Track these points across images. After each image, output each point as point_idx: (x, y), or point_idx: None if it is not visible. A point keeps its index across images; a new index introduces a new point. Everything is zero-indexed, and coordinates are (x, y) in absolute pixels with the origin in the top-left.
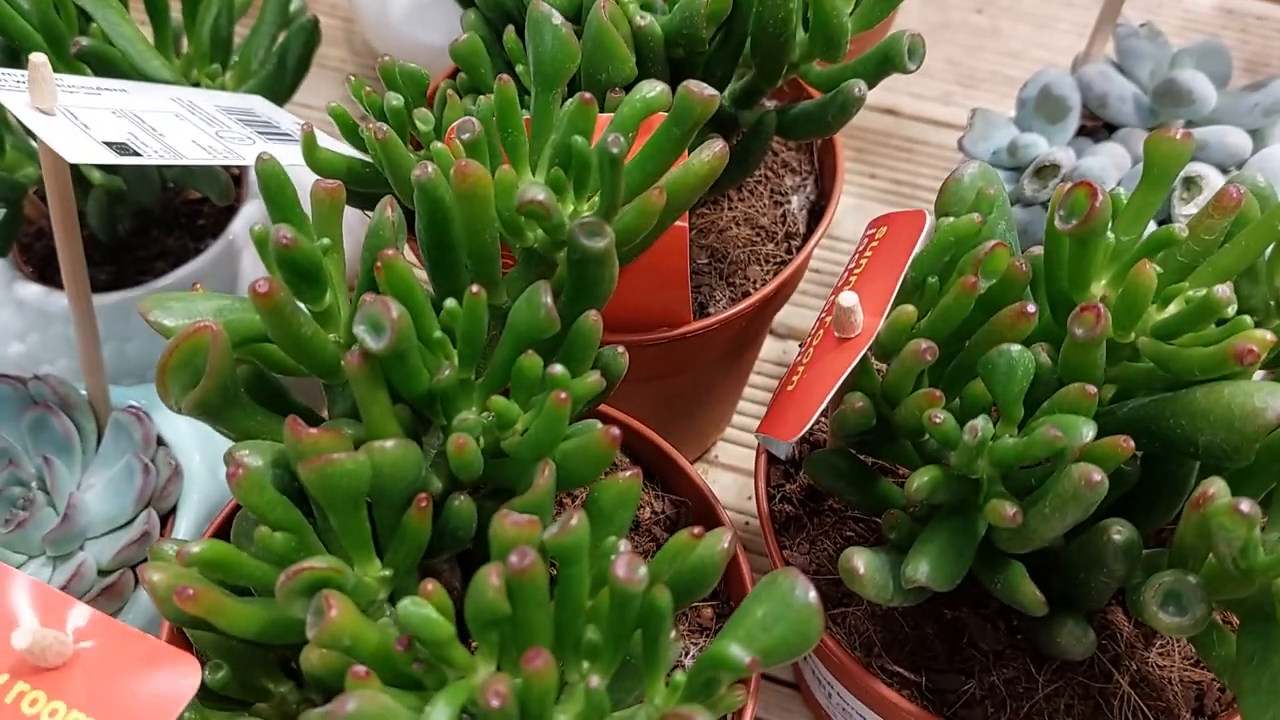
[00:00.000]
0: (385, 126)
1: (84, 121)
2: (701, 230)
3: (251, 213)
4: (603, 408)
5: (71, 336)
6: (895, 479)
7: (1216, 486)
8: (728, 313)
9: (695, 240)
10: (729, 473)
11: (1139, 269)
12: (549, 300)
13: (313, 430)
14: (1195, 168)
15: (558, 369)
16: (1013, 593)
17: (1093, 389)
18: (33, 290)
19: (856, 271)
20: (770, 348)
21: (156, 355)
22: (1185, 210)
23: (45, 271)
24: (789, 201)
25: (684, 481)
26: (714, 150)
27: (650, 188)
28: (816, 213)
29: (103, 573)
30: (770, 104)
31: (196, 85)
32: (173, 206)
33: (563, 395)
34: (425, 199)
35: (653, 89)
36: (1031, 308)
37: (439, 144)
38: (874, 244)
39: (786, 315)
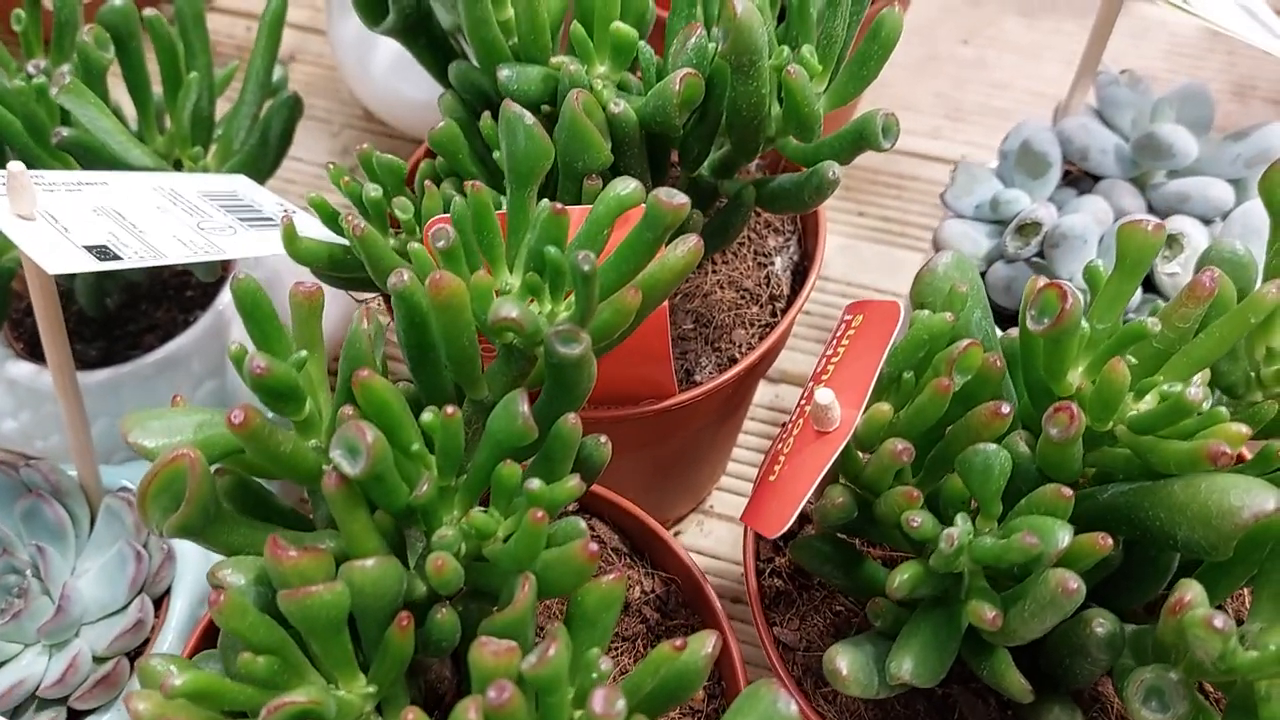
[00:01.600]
0: (363, 224)
1: (64, 224)
2: (686, 295)
3: None
4: (593, 487)
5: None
6: (882, 558)
7: (1192, 593)
8: (713, 383)
9: (680, 305)
10: (725, 523)
11: (1112, 366)
12: (525, 409)
13: (293, 552)
14: (1177, 224)
15: (535, 484)
16: (999, 680)
17: (1068, 491)
18: (24, 369)
19: (834, 360)
20: (763, 392)
21: None
22: (1167, 269)
23: (35, 347)
24: (772, 263)
25: (672, 559)
26: (688, 246)
27: (625, 287)
28: (800, 272)
29: (98, 659)
30: (755, 165)
31: (179, 165)
32: (161, 279)
33: (539, 514)
34: (403, 306)
35: (626, 187)
36: (1006, 409)
37: (416, 245)
38: (851, 331)
39: (779, 360)
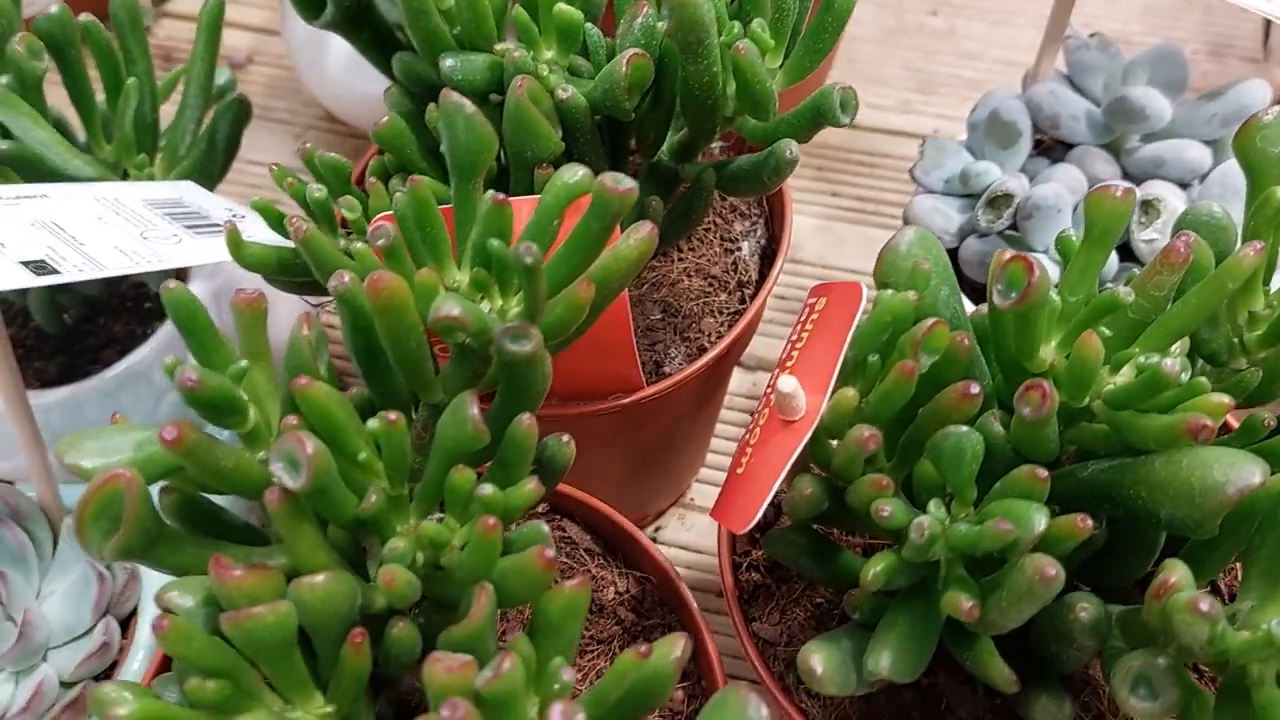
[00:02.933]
0: (304, 226)
1: (1, 240)
2: (653, 284)
3: (200, 293)
4: (561, 485)
5: (11, 434)
6: (863, 546)
7: (1177, 575)
8: (682, 374)
9: (647, 295)
10: (706, 515)
11: (1085, 340)
12: (475, 413)
13: (237, 572)
14: (1153, 189)
15: (486, 489)
16: (983, 670)
17: (1043, 473)
18: None
19: (799, 345)
20: (740, 380)
21: None
22: (1144, 235)
23: None
24: (739, 248)
25: (646, 558)
26: (642, 234)
27: (577, 280)
28: (768, 256)
29: (64, 684)
30: (718, 148)
31: (126, 175)
32: (119, 293)
33: (491, 521)
34: (345, 309)
35: (574, 174)
36: (975, 389)
37: (360, 245)
38: (815, 315)
39: (753, 346)
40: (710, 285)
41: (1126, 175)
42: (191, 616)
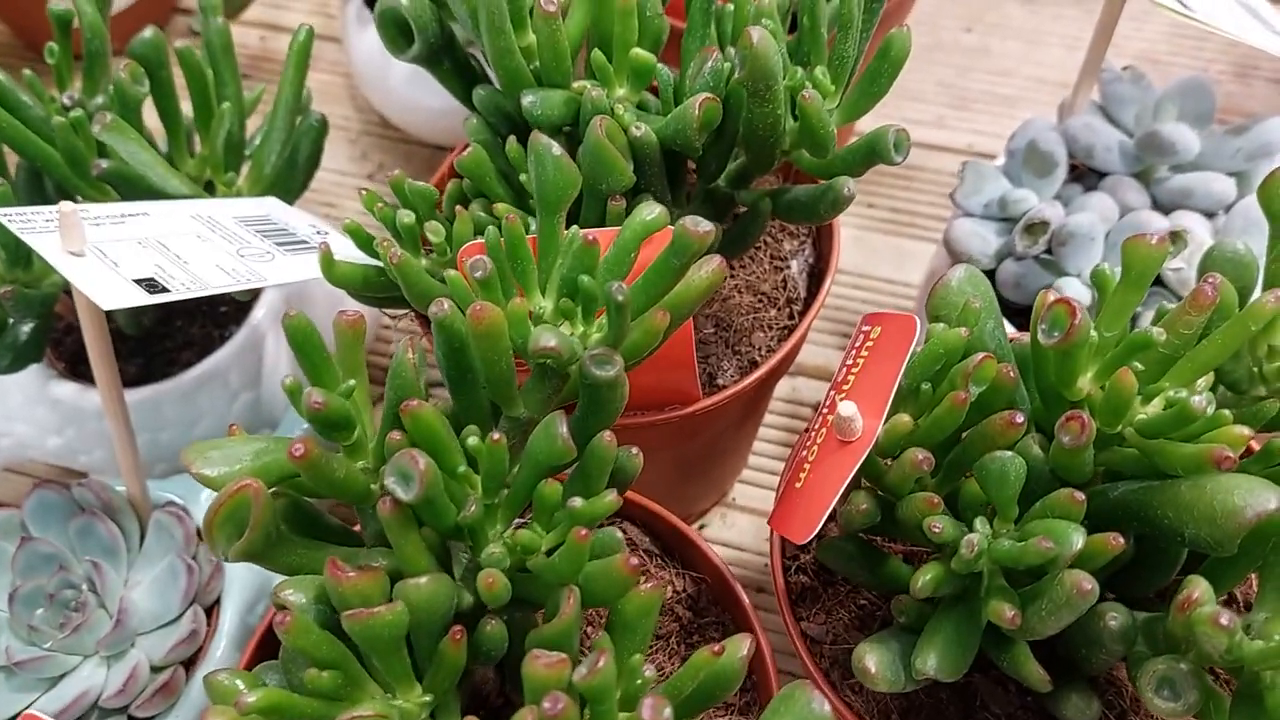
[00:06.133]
0: (399, 253)
1: (113, 258)
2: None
3: (272, 299)
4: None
5: (106, 430)
6: (904, 553)
7: (1200, 590)
8: (736, 387)
9: (701, 310)
10: (747, 515)
11: (1120, 376)
12: (565, 431)
13: (351, 574)
14: (1181, 219)
15: (577, 502)
16: (1018, 670)
17: (1080, 496)
18: (67, 389)
19: (854, 370)
20: (781, 385)
21: (188, 440)
22: (1172, 265)
23: (77, 366)
24: (789, 266)
25: (702, 559)
26: (712, 268)
27: (653, 308)
28: (816, 274)
29: (155, 669)
30: (772, 175)
31: (211, 188)
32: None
33: (584, 532)
34: (443, 333)
35: (651, 212)
36: (1019, 418)
37: (453, 273)
38: (870, 342)
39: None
40: (760, 301)
41: (1156, 204)
42: (304, 612)
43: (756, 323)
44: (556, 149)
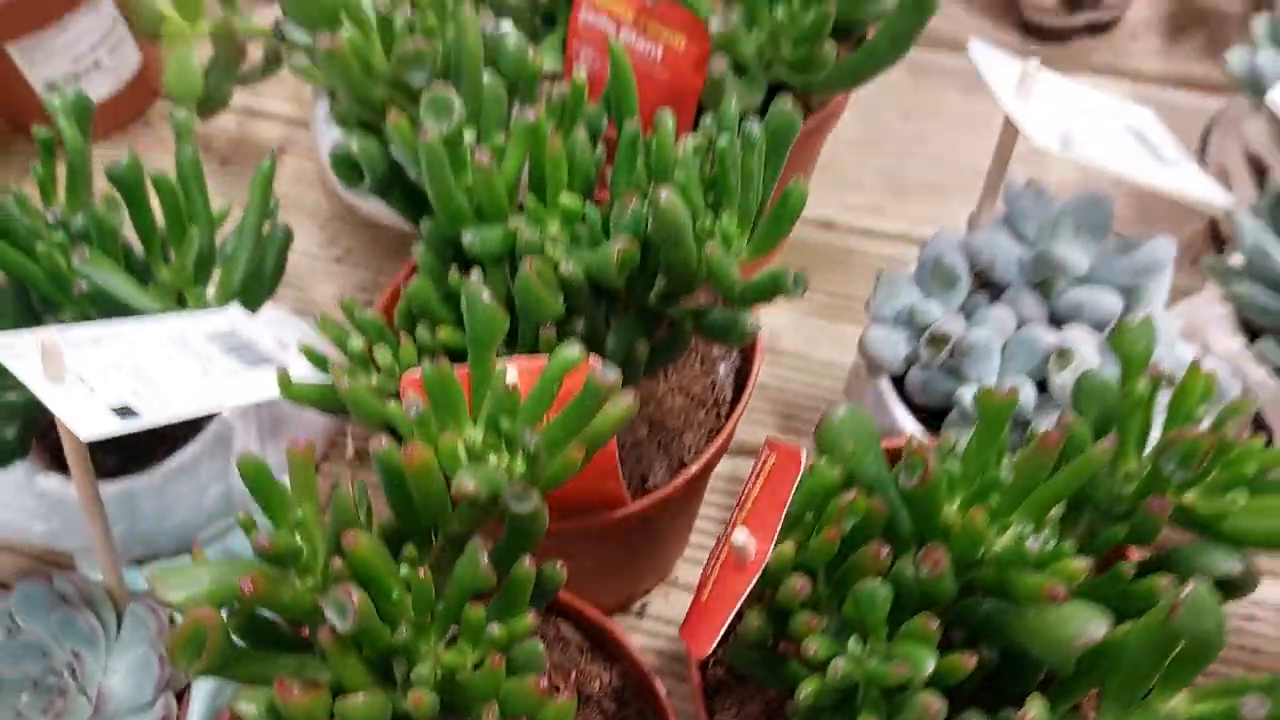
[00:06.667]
0: (347, 381)
1: (91, 384)
2: (641, 401)
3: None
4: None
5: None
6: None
7: (1035, 710)
8: (663, 491)
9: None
10: (689, 593)
11: (972, 514)
12: (485, 561)
13: (296, 693)
14: (1072, 332)
15: (495, 629)
16: None
17: (934, 623)
18: (53, 482)
19: (753, 495)
20: (723, 466)
21: (163, 528)
22: (1060, 378)
23: (61, 459)
24: (717, 370)
25: (627, 656)
26: (625, 404)
27: (571, 442)
28: (742, 376)
29: None
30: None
31: (182, 297)
32: None
33: (497, 658)
34: (383, 466)
35: (572, 351)
36: (885, 550)
37: (394, 406)
38: (766, 468)
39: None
40: (690, 403)
41: (1054, 315)
42: None
43: (687, 423)
44: (486, 295)
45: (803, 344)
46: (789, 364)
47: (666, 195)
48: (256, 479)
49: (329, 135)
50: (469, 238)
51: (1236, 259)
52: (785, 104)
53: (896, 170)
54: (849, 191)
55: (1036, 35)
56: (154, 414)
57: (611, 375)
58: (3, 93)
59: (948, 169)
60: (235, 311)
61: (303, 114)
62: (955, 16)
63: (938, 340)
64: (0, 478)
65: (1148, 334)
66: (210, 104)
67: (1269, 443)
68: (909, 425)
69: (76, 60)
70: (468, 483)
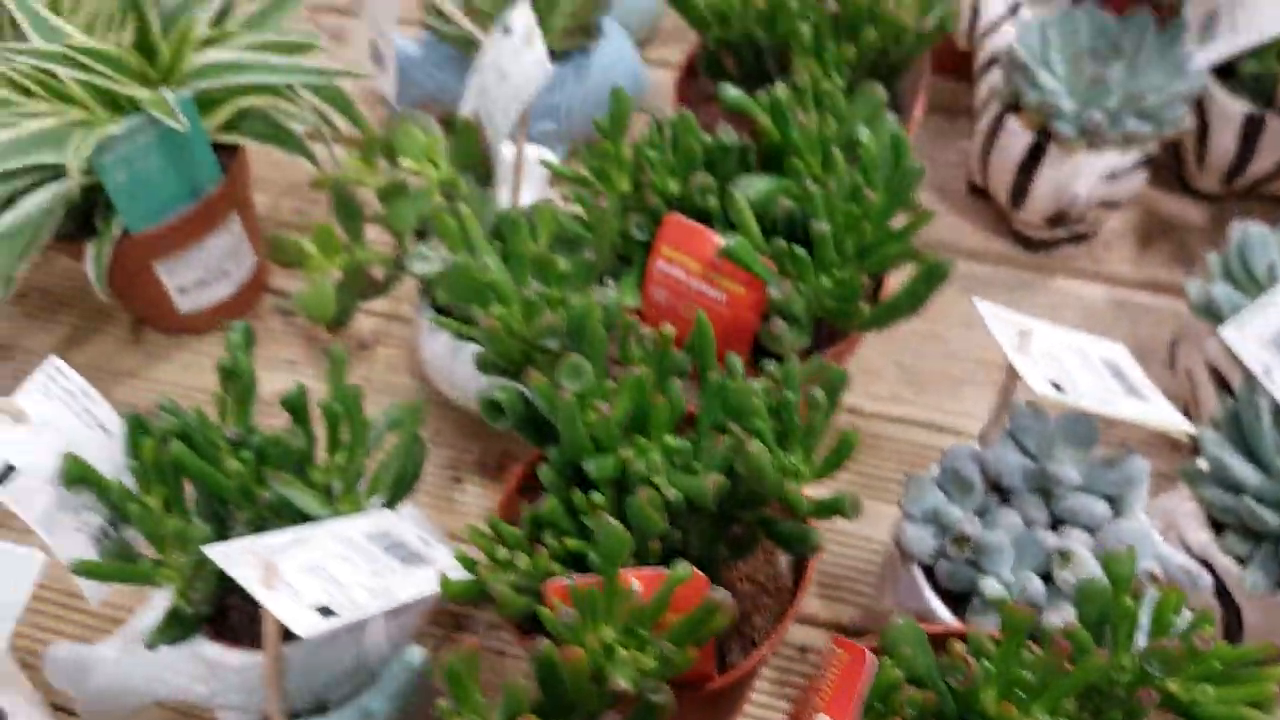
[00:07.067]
0: (500, 589)
1: (295, 588)
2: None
3: None
4: None
5: (242, 681)
6: None
7: None
8: (743, 666)
9: None
10: None
11: (1003, 705)
12: None
13: None
14: (1069, 533)
15: None
16: None
17: None
18: (213, 650)
19: (826, 686)
20: None
21: (306, 687)
22: (1063, 575)
23: (219, 626)
24: (778, 560)
25: None
26: (724, 614)
27: (685, 647)
28: (800, 566)
29: None
30: None
31: (331, 498)
32: None
33: None
34: (539, 661)
35: (684, 569)
36: None
37: (545, 611)
38: (837, 664)
39: None
40: (756, 589)
41: (1054, 519)
42: None
43: (755, 607)
44: (611, 521)
45: (840, 519)
46: (829, 537)
47: (754, 445)
48: (456, 680)
49: (431, 341)
50: (589, 466)
51: (1202, 464)
52: (837, 365)
53: (913, 365)
54: (873, 382)
55: (1025, 245)
56: (349, 613)
57: (722, 593)
58: (141, 298)
59: (958, 362)
60: (384, 512)
61: (394, 309)
62: (959, 228)
63: (960, 541)
64: (176, 648)
65: (1131, 560)
66: (339, 322)
67: (1237, 618)
68: (939, 610)
69: (208, 270)
70: (620, 680)
